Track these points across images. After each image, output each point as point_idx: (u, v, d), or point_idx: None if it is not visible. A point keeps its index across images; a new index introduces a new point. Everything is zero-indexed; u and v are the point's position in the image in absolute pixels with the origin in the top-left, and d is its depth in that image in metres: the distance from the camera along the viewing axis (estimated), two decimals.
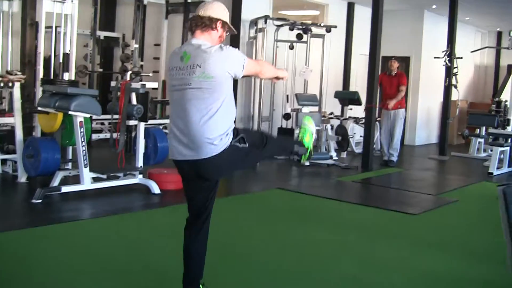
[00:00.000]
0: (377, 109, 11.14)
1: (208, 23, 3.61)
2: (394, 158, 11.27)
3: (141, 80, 7.82)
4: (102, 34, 12.94)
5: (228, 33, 3.78)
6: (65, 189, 6.89)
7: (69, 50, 7.86)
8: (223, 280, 4.43)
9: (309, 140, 4.18)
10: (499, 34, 18.71)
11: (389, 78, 11.26)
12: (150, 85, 7.88)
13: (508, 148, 11.08)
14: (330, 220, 6.73)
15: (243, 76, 3.64)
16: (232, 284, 4.40)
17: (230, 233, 5.80)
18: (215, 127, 3.46)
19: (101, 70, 12.71)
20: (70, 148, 7.84)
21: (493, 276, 4.96)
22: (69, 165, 7.83)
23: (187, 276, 3.82)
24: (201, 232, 3.79)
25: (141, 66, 11.85)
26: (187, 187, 3.78)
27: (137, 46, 11.40)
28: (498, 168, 10.85)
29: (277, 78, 3.95)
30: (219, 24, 3.64)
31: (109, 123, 11.33)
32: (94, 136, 10.65)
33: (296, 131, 10.62)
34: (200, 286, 3.85)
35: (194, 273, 3.81)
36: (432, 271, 5.00)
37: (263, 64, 3.91)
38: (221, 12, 3.67)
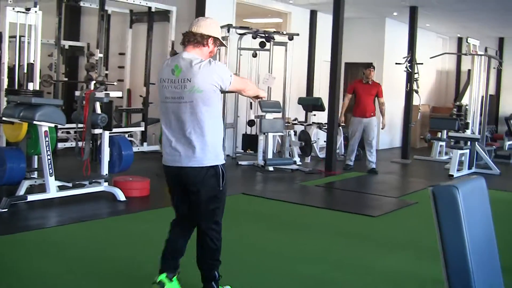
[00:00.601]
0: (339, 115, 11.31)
1: (200, 40, 3.84)
2: (375, 165, 11.25)
3: (106, 89, 7.90)
4: (66, 43, 12.98)
5: (219, 48, 3.95)
6: (31, 197, 6.94)
7: (34, 60, 7.88)
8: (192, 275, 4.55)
9: None
10: (460, 40, 19.07)
11: (365, 86, 11.24)
12: (114, 94, 7.97)
13: (467, 150, 11.35)
14: (293, 224, 6.88)
15: (228, 92, 3.93)
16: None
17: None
18: (208, 138, 3.77)
19: (66, 79, 12.73)
20: (36, 157, 7.86)
21: None
22: (35, 174, 7.85)
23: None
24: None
25: (106, 75, 11.90)
26: (174, 192, 4.09)
27: (101, 55, 11.43)
28: (458, 170, 11.11)
29: (257, 97, 4.21)
30: (210, 41, 3.88)
31: (75, 132, 11.39)
32: (60, 145, 10.70)
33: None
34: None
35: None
36: (390, 270, 5.18)
37: (247, 83, 4.14)
38: (213, 29, 3.89)
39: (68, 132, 11.98)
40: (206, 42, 3.86)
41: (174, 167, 3.87)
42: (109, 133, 7.72)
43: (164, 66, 3.93)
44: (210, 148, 3.79)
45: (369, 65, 11.50)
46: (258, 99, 4.34)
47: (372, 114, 11.23)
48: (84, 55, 13.07)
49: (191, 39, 3.85)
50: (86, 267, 4.91)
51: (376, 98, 11.29)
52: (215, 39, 3.92)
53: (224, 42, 4.04)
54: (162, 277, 4.03)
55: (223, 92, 3.92)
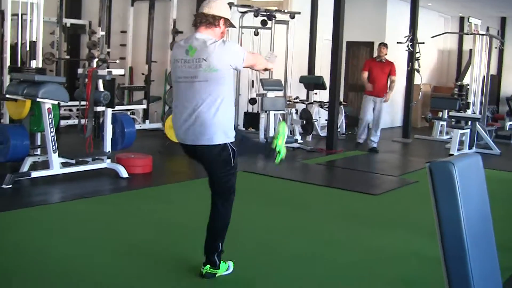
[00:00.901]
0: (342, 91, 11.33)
1: (212, 21, 3.94)
2: (376, 144, 11.28)
3: (108, 67, 7.93)
4: (68, 21, 12.98)
5: (229, 28, 4.15)
6: (34, 174, 7.01)
7: (36, 38, 7.91)
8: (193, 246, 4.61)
9: (281, 143, 4.44)
10: (461, 20, 19.01)
11: (379, 65, 11.23)
12: (116, 71, 8.01)
13: (468, 130, 11.38)
14: (293, 201, 6.94)
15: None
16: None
17: (198, 213, 5.99)
18: (220, 117, 3.88)
19: (68, 57, 12.75)
20: (39, 134, 7.92)
21: None
22: (38, 151, 7.91)
23: (205, 243, 4.19)
24: (218, 208, 4.17)
25: (108, 53, 11.93)
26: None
27: (103, 33, 11.45)
28: (459, 150, 11.14)
29: (266, 69, 4.36)
30: (221, 22, 3.99)
31: (77, 110, 11.44)
32: (63, 122, 10.74)
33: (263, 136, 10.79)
34: (215, 257, 4.16)
35: (211, 245, 4.16)
36: (388, 248, 5.24)
37: (258, 57, 4.30)
38: (224, 10, 4.02)
39: (70, 110, 12.03)
40: (218, 23, 3.96)
41: (189, 145, 4.02)
42: (112, 110, 7.76)
43: (177, 47, 4.05)
44: (221, 127, 3.91)
45: (381, 43, 11.48)
46: (267, 70, 4.45)
47: (385, 93, 11.27)
48: (86, 33, 13.11)
49: (203, 20, 3.95)
50: (88, 243, 4.98)
51: (388, 76, 11.28)
52: (226, 20, 4.02)
53: (233, 23, 4.15)
54: (206, 268, 4.17)
55: (237, 70, 4.04)
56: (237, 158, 4.08)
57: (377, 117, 11.33)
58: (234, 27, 4.23)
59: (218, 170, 4.06)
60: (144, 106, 11.57)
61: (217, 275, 4.18)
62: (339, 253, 5.07)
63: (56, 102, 7.17)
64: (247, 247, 5.05)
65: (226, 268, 4.27)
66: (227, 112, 3.95)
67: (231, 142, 3.99)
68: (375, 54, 14.52)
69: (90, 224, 5.57)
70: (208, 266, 4.15)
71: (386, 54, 11.29)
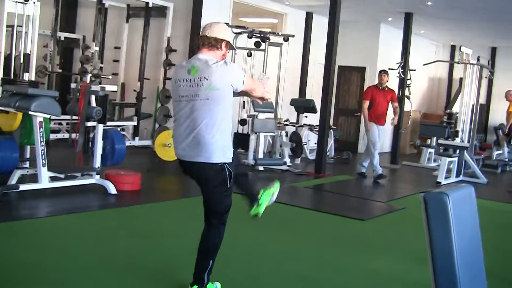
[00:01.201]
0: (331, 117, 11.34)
1: (214, 43, 4.03)
2: (381, 171, 11.03)
3: (100, 83, 7.93)
4: (62, 35, 13.00)
5: (229, 51, 4.24)
6: (23, 187, 6.97)
7: (30, 51, 7.90)
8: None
9: (266, 200, 4.52)
10: (453, 48, 19.18)
11: (381, 92, 11.02)
12: (109, 87, 8.03)
13: (456, 158, 11.46)
14: (282, 224, 6.92)
15: (239, 93, 4.12)
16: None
17: (187, 232, 6.00)
18: (219, 136, 3.95)
19: (60, 70, 12.74)
20: (28, 147, 7.90)
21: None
22: (27, 164, 7.88)
23: (196, 262, 4.21)
24: (212, 227, 4.20)
25: (101, 68, 11.95)
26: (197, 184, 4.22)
27: (97, 48, 11.48)
28: (446, 177, 11.20)
29: (262, 99, 4.40)
30: (223, 44, 4.08)
31: (67, 124, 11.44)
32: (52, 136, 10.72)
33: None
34: (205, 276, 4.18)
35: (201, 264, 4.18)
36: (376, 272, 5.27)
37: (257, 84, 4.29)
38: (226, 33, 4.10)
39: (60, 124, 12.00)
40: (220, 46, 4.05)
41: (186, 161, 4.06)
42: (103, 126, 7.75)
43: (179, 67, 4.14)
44: (219, 146, 3.96)
45: (382, 71, 11.22)
46: (264, 101, 4.50)
47: (386, 121, 11.14)
48: (79, 47, 13.12)
49: (206, 42, 4.02)
50: (78, 258, 4.96)
51: (389, 103, 11.16)
52: (227, 42, 4.11)
53: (233, 46, 4.25)
54: None
55: (236, 92, 4.08)
56: (233, 182, 4.12)
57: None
58: (235, 49, 4.30)
59: (213, 189, 4.09)
60: (135, 123, 11.57)
61: None
62: (332, 276, 5.09)
63: (48, 116, 7.15)
64: (239, 269, 5.04)
65: None
66: (226, 131, 4.01)
67: (228, 164, 4.03)
68: (367, 80, 14.66)
69: (79, 239, 5.55)
70: (196, 286, 4.14)
71: (387, 81, 11.15)
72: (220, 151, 3.96)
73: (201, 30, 4.13)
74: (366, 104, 10.93)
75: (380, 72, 11.19)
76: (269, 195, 4.54)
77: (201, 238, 4.21)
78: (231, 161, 4.06)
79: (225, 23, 11.02)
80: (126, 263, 4.95)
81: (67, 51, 13.67)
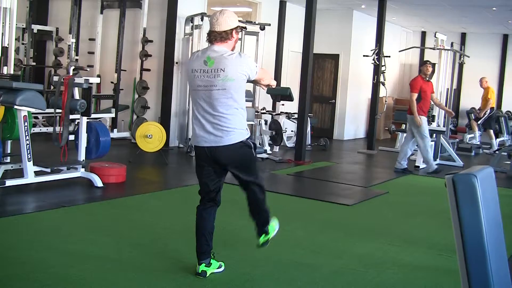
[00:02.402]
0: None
1: (225, 36, 4.30)
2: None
3: (77, 74, 7.85)
4: (35, 27, 12.83)
5: (240, 31, 4.61)
6: (9, 182, 6.87)
7: (8, 44, 7.80)
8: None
9: (272, 232, 4.84)
10: (423, 34, 19.45)
11: (428, 84, 10.60)
12: (93, 80, 7.98)
13: (433, 143, 11.59)
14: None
15: (252, 81, 4.47)
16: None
17: (168, 223, 6.01)
18: (236, 120, 4.28)
19: (34, 63, 12.61)
20: (9, 142, 7.81)
21: (422, 259, 5.37)
22: (8, 159, 7.78)
23: (201, 248, 4.47)
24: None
25: (76, 60, 11.83)
26: (201, 172, 4.47)
27: (73, 40, 11.38)
28: (423, 161, 11.33)
29: (269, 85, 4.72)
30: (233, 32, 4.34)
31: (43, 118, 11.33)
32: None
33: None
34: (211, 255, 4.51)
35: (207, 244, 4.47)
36: (370, 256, 5.34)
37: (266, 73, 4.64)
38: (233, 21, 4.32)
39: (36, 117, 11.87)
40: (231, 36, 4.31)
41: (207, 147, 4.31)
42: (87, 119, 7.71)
43: (195, 58, 4.37)
44: (236, 129, 4.28)
45: (428, 61, 10.76)
46: (268, 86, 4.75)
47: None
48: (53, 40, 13.00)
49: (217, 37, 4.28)
50: (71, 252, 4.94)
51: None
52: (236, 28, 4.35)
53: (242, 25, 4.65)
54: (202, 267, 4.45)
55: (249, 81, 4.40)
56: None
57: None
58: (245, 28, 4.54)
59: (241, 165, 4.42)
60: (113, 115, 11.49)
61: (209, 272, 4.47)
62: (323, 261, 5.14)
63: (34, 110, 7.07)
64: (231, 257, 5.07)
65: (217, 266, 4.58)
66: (242, 116, 4.33)
67: (246, 139, 4.37)
68: (341, 67, 14.76)
69: (68, 234, 5.51)
70: (203, 264, 4.44)
71: (433, 72, 10.72)
72: (238, 132, 4.28)
73: (210, 24, 4.33)
74: (414, 96, 10.39)
75: (425, 62, 10.75)
76: (273, 229, 4.85)
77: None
78: (248, 137, 4.40)
79: (202, 12, 11.11)
80: (117, 254, 4.94)
81: (40, 43, 13.50)
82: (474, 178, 2.09)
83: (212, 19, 4.30)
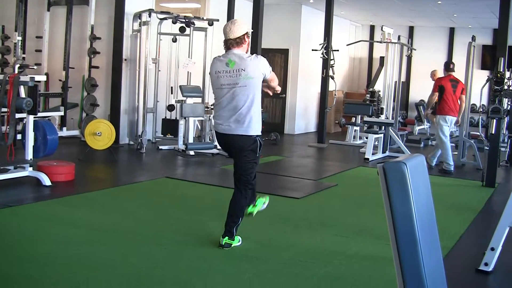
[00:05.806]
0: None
1: (240, 41, 5.11)
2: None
3: (22, 72, 7.76)
4: None
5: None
6: None
7: None
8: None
9: (259, 205, 5.73)
10: (372, 28, 19.70)
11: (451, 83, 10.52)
12: (39, 78, 7.89)
13: (382, 135, 11.78)
14: (215, 205, 6.96)
15: (264, 81, 5.22)
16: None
17: (119, 219, 6.00)
18: (254, 113, 5.03)
19: None
20: None
21: (369, 250, 5.48)
22: None
23: (227, 220, 5.24)
24: (239, 192, 5.26)
25: (23, 58, 11.67)
26: (230, 154, 5.37)
27: (20, 38, 11.22)
28: (373, 154, 11.52)
29: (275, 89, 5.48)
30: (245, 36, 5.15)
31: None
32: None
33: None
34: (234, 230, 5.25)
35: (231, 220, 5.22)
36: (318, 247, 5.43)
37: (275, 76, 5.42)
38: (243, 28, 5.12)
39: None
40: (244, 40, 5.13)
41: (226, 134, 5.14)
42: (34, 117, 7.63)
43: (217, 61, 5.20)
44: (254, 122, 5.06)
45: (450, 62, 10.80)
46: (274, 91, 5.52)
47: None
48: None
49: (234, 43, 5.09)
50: (13, 255, 4.90)
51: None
52: (247, 32, 5.13)
53: (251, 29, 5.34)
54: (226, 239, 5.19)
55: (264, 80, 5.19)
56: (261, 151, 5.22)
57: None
58: (252, 30, 5.49)
59: (245, 157, 5.13)
60: (61, 113, 11.36)
61: (232, 245, 5.19)
62: (271, 253, 5.21)
63: None
64: (177, 250, 5.10)
65: (238, 240, 5.29)
66: (258, 110, 5.10)
67: (260, 137, 5.14)
68: (290, 61, 14.82)
69: (18, 233, 5.47)
70: (226, 237, 5.17)
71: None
72: (255, 126, 5.06)
73: (224, 34, 5.10)
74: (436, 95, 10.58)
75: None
76: (262, 202, 5.72)
77: (231, 201, 5.24)
78: (261, 134, 5.15)
79: (149, 9, 11.06)
80: (68, 257, 4.93)
81: None
82: (403, 165, 2.15)
83: (226, 29, 5.09)
